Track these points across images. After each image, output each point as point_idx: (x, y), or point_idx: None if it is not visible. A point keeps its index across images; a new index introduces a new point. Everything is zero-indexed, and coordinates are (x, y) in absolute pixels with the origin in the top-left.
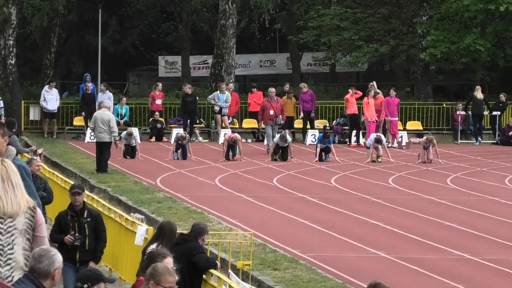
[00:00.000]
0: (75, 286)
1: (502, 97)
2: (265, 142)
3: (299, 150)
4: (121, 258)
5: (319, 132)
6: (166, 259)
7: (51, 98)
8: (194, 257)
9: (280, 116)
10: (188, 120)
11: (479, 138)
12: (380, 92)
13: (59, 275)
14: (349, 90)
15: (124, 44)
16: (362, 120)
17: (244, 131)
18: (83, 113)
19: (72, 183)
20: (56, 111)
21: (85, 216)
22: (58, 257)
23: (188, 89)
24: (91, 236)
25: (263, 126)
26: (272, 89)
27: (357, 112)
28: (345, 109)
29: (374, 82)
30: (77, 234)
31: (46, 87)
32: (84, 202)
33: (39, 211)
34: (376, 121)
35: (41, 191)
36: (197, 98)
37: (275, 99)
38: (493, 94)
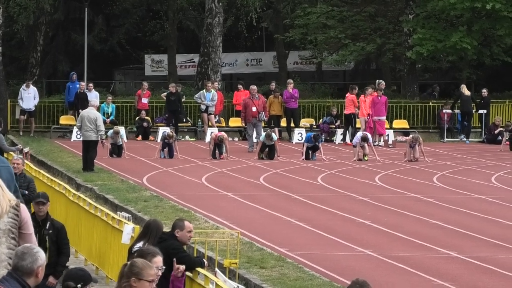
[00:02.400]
0: (67, 285)
1: (484, 92)
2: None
3: (285, 148)
4: (107, 257)
5: (306, 131)
6: (155, 258)
7: (28, 97)
8: (177, 259)
9: (263, 112)
10: (173, 119)
11: (464, 136)
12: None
13: (42, 272)
14: (353, 90)
15: (110, 43)
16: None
17: (230, 129)
18: (80, 110)
19: (59, 182)
20: (33, 109)
21: (47, 227)
22: (41, 255)
23: (171, 87)
24: (51, 249)
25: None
26: (254, 87)
27: (353, 112)
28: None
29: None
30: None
31: (23, 86)
32: (47, 212)
33: (23, 208)
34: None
35: (23, 189)
36: (185, 96)
37: (257, 96)
38: (479, 93)
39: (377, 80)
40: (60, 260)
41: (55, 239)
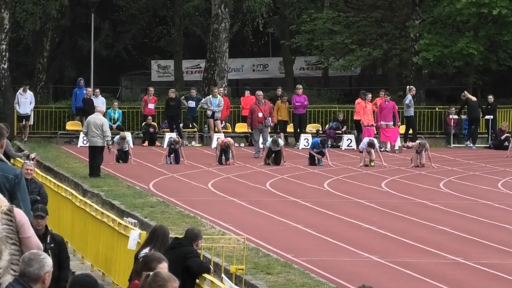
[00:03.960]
0: None
1: (491, 98)
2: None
3: (292, 154)
4: (114, 263)
5: (312, 136)
6: (161, 264)
7: (24, 102)
8: (188, 261)
9: (269, 118)
10: (173, 124)
11: (470, 142)
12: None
13: (49, 279)
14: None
15: (116, 48)
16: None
17: (237, 135)
18: (85, 118)
19: (65, 187)
20: (29, 114)
21: (48, 241)
22: (49, 261)
23: (171, 93)
24: (55, 262)
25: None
26: (260, 92)
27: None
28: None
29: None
30: None
31: (20, 90)
32: (46, 226)
33: (18, 211)
34: (373, 125)
35: (34, 195)
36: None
37: (263, 101)
38: (485, 98)
39: (407, 86)
40: (62, 275)
41: (57, 253)
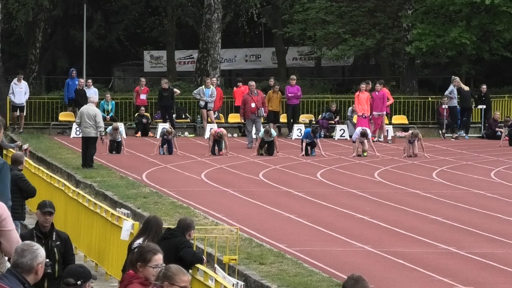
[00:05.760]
0: (66, 281)
1: (484, 88)
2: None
3: (285, 144)
4: (107, 253)
5: (305, 127)
6: (156, 256)
7: (19, 91)
8: (181, 252)
9: (262, 108)
10: (166, 114)
11: (461, 132)
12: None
13: (42, 270)
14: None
15: (109, 39)
16: (349, 114)
17: (230, 125)
18: (77, 109)
19: (58, 178)
20: (24, 104)
21: (54, 239)
22: (41, 252)
23: (164, 84)
24: (60, 261)
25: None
26: (252, 83)
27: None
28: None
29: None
30: (47, 260)
31: (15, 80)
32: (52, 223)
33: (0, 205)
34: (366, 116)
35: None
36: (184, 92)
37: (256, 92)
38: (478, 88)
39: (452, 76)
40: None
41: (62, 251)
